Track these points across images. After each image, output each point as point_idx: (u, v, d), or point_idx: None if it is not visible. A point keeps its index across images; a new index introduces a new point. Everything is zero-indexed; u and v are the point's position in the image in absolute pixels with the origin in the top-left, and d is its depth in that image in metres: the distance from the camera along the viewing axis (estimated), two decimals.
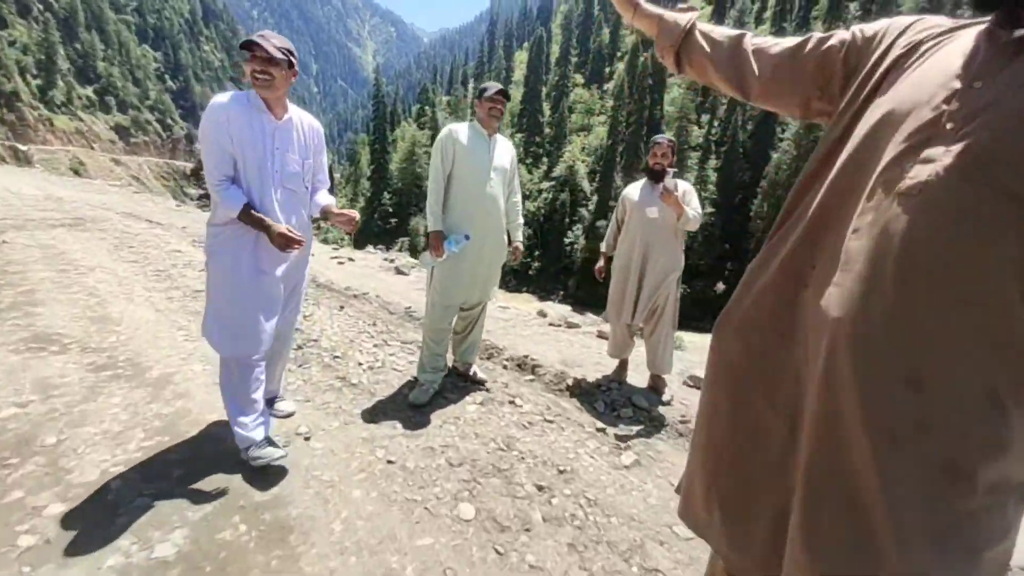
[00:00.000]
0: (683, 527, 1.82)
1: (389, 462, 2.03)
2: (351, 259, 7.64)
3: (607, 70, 68.30)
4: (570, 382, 3.29)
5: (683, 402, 3.11)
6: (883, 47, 0.89)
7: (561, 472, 2.06)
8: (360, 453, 2.07)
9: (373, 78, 72.39)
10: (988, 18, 0.77)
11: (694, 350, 5.96)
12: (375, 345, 3.44)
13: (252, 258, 1.86)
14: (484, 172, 2.55)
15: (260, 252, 1.85)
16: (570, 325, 4.90)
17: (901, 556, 0.70)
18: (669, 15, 1.12)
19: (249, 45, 1.75)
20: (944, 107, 0.73)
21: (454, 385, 2.86)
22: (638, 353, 3.50)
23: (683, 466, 2.35)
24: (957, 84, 0.73)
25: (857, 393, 0.74)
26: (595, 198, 48.28)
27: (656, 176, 3.11)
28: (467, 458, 2.09)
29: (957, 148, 0.69)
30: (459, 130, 2.54)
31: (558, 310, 5.64)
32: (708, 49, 1.07)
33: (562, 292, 43.65)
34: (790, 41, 1.01)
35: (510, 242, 2.89)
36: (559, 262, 46.16)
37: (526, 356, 3.66)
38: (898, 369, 0.72)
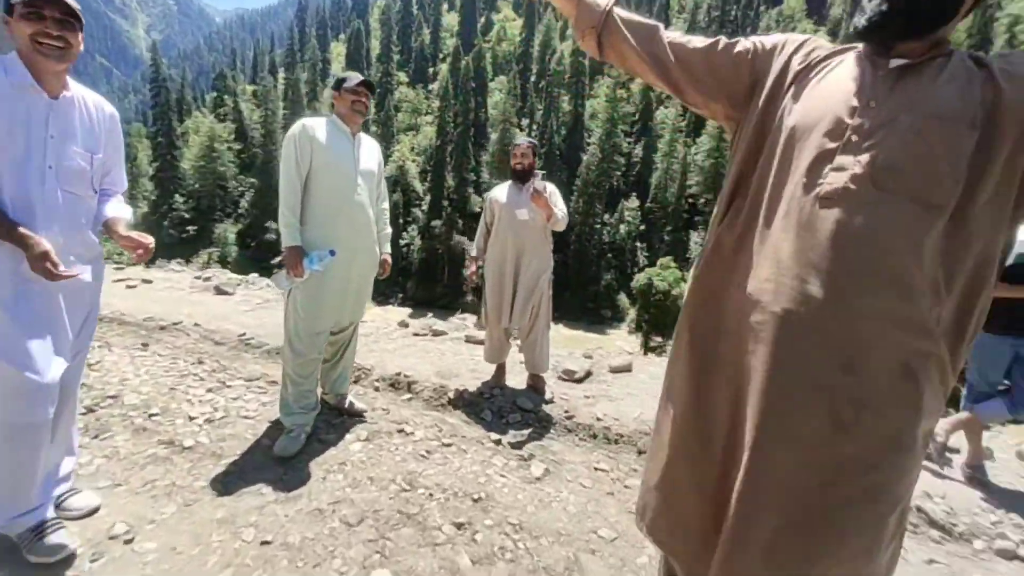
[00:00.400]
0: (607, 530, 1.83)
1: (264, 543, 1.59)
2: (146, 280, 6.12)
3: (431, 71, 68.45)
4: (451, 395, 3.11)
5: (563, 397, 3.19)
6: (782, 60, 0.98)
7: (477, 501, 1.88)
8: (218, 541, 1.59)
9: (149, 58, 60.02)
10: (861, 46, 0.90)
11: (555, 343, 6.27)
12: (209, 390, 2.75)
13: (11, 262, 1.28)
14: (350, 177, 2.19)
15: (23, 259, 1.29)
16: (436, 333, 4.69)
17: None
18: None
19: None
20: (848, 121, 0.83)
21: (328, 423, 2.43)
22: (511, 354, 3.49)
23: (582, 462, 2.40)
24: (855, 102, 0.84)
25: (801, 379, 0.81)
26: (428, 198, 48.14)
27: (520, 177, 3.11)
28: (367, 512, 1.77)
29: (864, 158, 0.79)
30: (315, 126, 2.13)
31: (424, 320, 5.36)
32: (628, 34, 1.07)
33: (400, 295, 42.63)
34: (701, 40, 1.05)
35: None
36: (395, 264, 44.88)
37: (398, 373, 3.36)
38: (835, 356, 0.80)
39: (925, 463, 2.54)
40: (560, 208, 3.04)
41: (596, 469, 2.30)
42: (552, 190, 3.03)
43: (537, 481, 2.11)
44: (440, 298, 39.65)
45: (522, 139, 3.18)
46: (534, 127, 53.54)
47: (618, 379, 3.65)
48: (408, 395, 3.13)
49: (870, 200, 0.78)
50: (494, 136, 49.48)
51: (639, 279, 23.94)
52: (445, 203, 46.89)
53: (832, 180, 0.81)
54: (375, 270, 2.50)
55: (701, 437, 0.97)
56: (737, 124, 1.04)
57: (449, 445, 2.33)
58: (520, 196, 3.08)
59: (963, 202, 0.76)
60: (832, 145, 0.83)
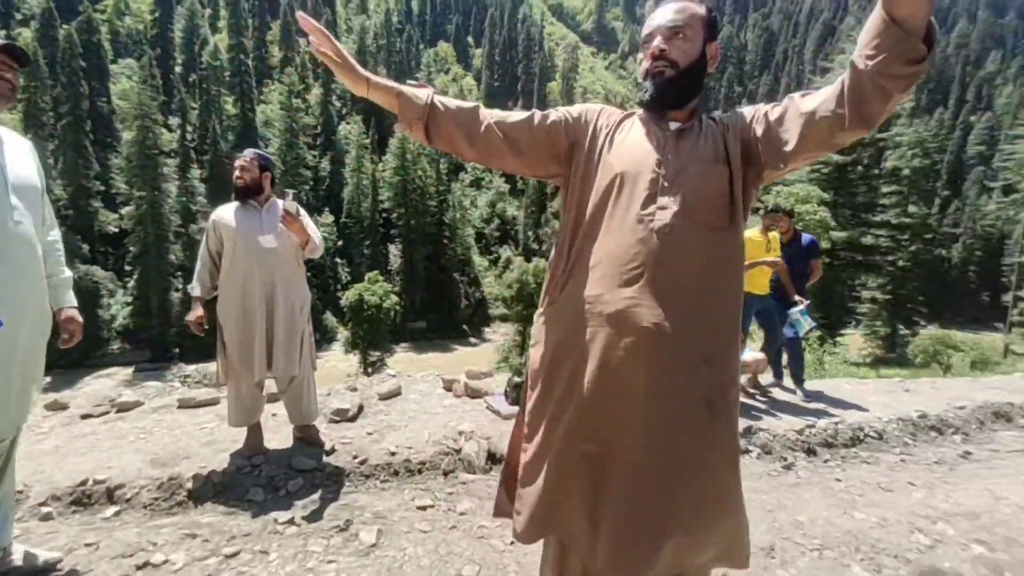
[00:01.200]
0: (469, 566, 1.73)
1: None
2: None
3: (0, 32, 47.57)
4: (190, 486, 2.33)
5: (344, 442, 2.83)
6: (592, 126, 1.21)
7: None
8: None
9: None
10: (641, 111, 1.20)
11: None
12: None
13: None
14: None
15: None
16: (123, 408, 3.36)
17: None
18: (407, 90, 1.16)
19: None
20: (658, 171, 1.08)
21: None
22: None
23: (401, 506, 2.21)
24: (657, 156, 1.09)
25: (676, 375, 1.03)
26: None
27: (243, 195, 2.58)
28: None
29: (676, 198, 1.07)
30: None
31: (83, 390, 3.75)
32: (453, 120, 1.16)
33: None
34: (519, 115, 1.20)
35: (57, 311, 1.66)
36: None
37: (84, 482, 2.28)
38: (697, 352, 1.05)
39: None
40: (315, 232, 2.68)
41: (420, 508, 2.15)
42: (301, 210, 2.63)
43: (374, 549, 1.80)
44: (85, 358, 28.27)
45: (250, 151, 2.65)
46: (189, 128, 44.54)
47: (392, 406, 3.48)
48: (113, 508, 2.16)
49: (686, 229, 1.05)
50: (129, 135, 38.43)
51: (348, 296, 23.26)
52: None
53: (660, 217, 1.05)
54: (46, 337, 1.60)
55: (587, 437, 1.09)
56: (565, 179, 1.22)
57: (234, 555, 1.72)
58: (259, 219, 2.55)
59: (733, 216, 1.09)
60: (653, 189, 1.07)
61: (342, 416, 3.18)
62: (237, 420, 2.64)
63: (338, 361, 30.71)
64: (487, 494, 2.40)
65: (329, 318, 37.96)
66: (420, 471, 2.60)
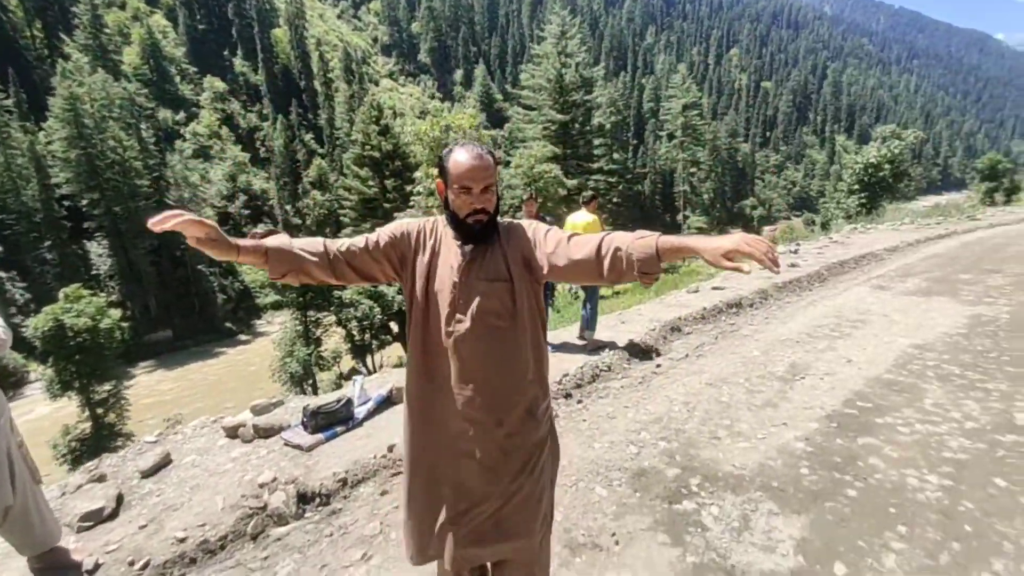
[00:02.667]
0: None
1: None
2: None
3: None
4: None
5: (109, 549, 2.40)
6: (413, 240, 1.48)
7: None
8: None
9: None
10: (445, 220, 1.51)
11: None
12: None
13: None
14: None
15: None
16: None
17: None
18: (271, 243, 1.33)
19: None
20: (455, 292, 1.41)
21: None
22: None
23: None
24: (456, 278, 1.41)
25: (483, 435, 1.44)
26: None
27: None
28: None
29: (468, 315, 1.41)
30: None
31: None
32: (314, 260, 1.38)
33: None
34: (360, 240, 1.47)
35: None
36: None
37: None
38: (494, 419, 1.44)
39: None
40: None
41: None
42: None
43: None
44: None
45: None
46: None
47: (164, 479, 3.02)
48: None
49: (480, 334, 1.39)
50: None
51: (37, 324, 17.22)
52: None
53: (458, 330, 1.40)
54: None
55: (434, 488, 1.47)
56: (403, 282, 1.50)
57: None
58: None
59: (514, 319, 1.43)
60: (452, 308, 1.41)
61: (96, 518, 2.64)
62: None
63: (42, 414, 22.95)
64: (306, 541, 2.43)
65: (14, 358, 27.58)
66: (223, 547, 2.43)
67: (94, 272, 37.12)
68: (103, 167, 36.21)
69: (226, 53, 66.05)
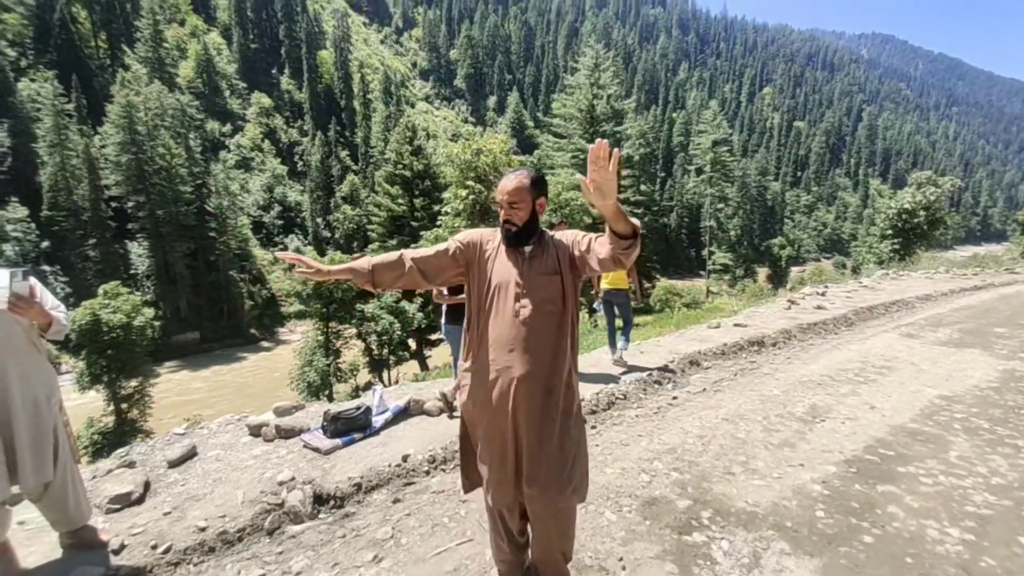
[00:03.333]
0: None
1: None
2: None
3: None
4: None
5: (135, 532, 2.52)
6: (478, 248, 1.89)
7: None
8: None
9: None
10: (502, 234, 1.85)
11: None
12: None
13: None
14: None
15: None
16: None
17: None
18: (355, 265, 1.83)
19: None
20: (520, 280, 1.78)
21: None
22: None
23: None
24: (517, 271, 1.79)
25: (530, 400, 1.73)
26: None
27: None
28: None
29: (530, 300, 1.76)
30: None
31: None
32: (393, 273, 1.85)
33: None
34: (431, 250, 1.88)
35: None
36: None
37: None
38: (542, 384, 1.74)
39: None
40: (57, 307, 2.28)
41: None
42: (37, 286, 2.20)
43: None
44: None
45: None
46: None
47: (189, 471, 3.15)
48: None
49: (539, 316, 1.76)
50: None
51: (76, 317, 18.00)
52: None
53: (524, 311, 1.75)
54: None
55: (503, 437, 1.78)
56: (467, 281, 1.90)
57: None
58: None
59: (563, 307, 1.79)
60: (516, 293, 1.77)
61: (124, 502, 2.77)
62: None
63: (68, 406, 23.78)
64: (320, 540, 2.51)
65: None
66: (241, 539, 2.52)
67: (132, 272, 38.72)
68: (151, 172, 38.17)
69: (274, 71, 69.60)
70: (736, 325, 7.26)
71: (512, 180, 1.80)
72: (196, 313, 40.30)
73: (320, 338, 23.48)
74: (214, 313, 41.37)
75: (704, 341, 6.33)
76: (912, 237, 22.28)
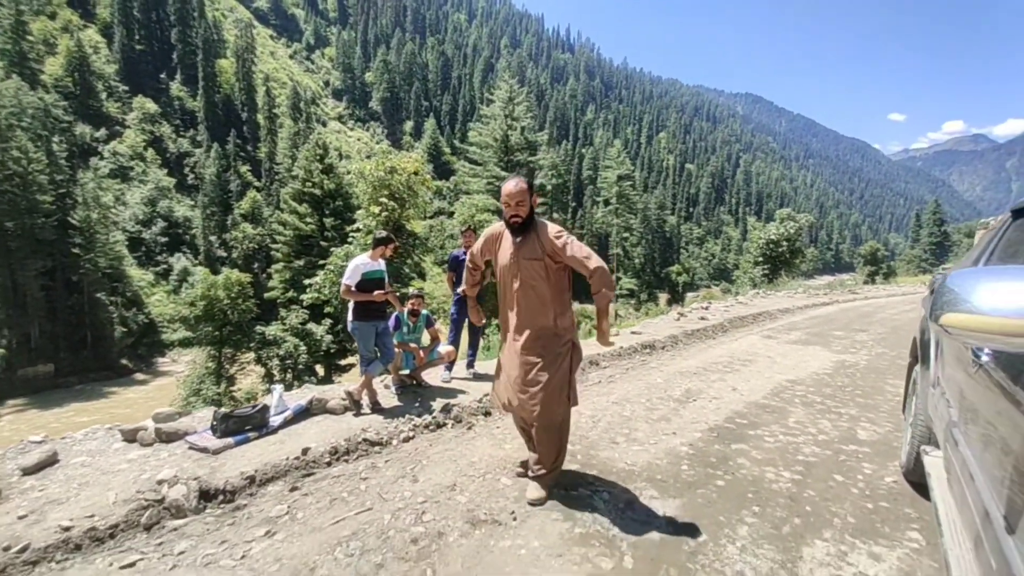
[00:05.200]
0: None
1: None
2: None
3: None
4: None
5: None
6: (492, 243, 2.69)
7: None
8: None
9: None
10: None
11: None
12: None
13: None
14: None
15: None
16: None
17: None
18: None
19: None
20: (512, 262, 2.56)
21: None
22: None
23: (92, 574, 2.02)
24: (512, 255, 2.56)
25: (523, 338, 2.39)
26: None
27: None
28: None
29: (519, 278, 2.54)
30: None
31: None
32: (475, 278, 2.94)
33: None
34: (475, 251, 2.80)
35: None
36: None
37: None
38: (529, 331, 2.40)
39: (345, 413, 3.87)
40: None
41: (125, 566, 2.00)
42: None
43: None
44: None
45: None
46: None
47: (48, 478, 2.82)
48: None
49: (528, 288, 2.50)
50: None
51: None
52: None
53: (515, 285, 2.54)
54: None
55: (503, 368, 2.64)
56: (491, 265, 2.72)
57: None
58: None
59: (546, 280, 2.49)
60: (512, 272, 2.54)
61: None
62: None
63: None
64: (204, 530, 2.39)
65: None
66: (113, 535, 2.32)
67: None
68: (0, 178, 32.75)
69: (163, 76, 63.79)
70: (633, 332, 7.93)
71: (514, 185, 2.45)
72: (51, 342, 34.62)
73: (211, 364, 21.36)
74: (74, 342, 35.83)
75: (603, 347, 6.86)
76: (778, 263, 25.77)
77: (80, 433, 3.56)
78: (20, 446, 3.19)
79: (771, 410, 4.19)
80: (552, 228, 2.47)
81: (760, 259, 26.65)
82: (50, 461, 3.00)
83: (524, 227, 2.48)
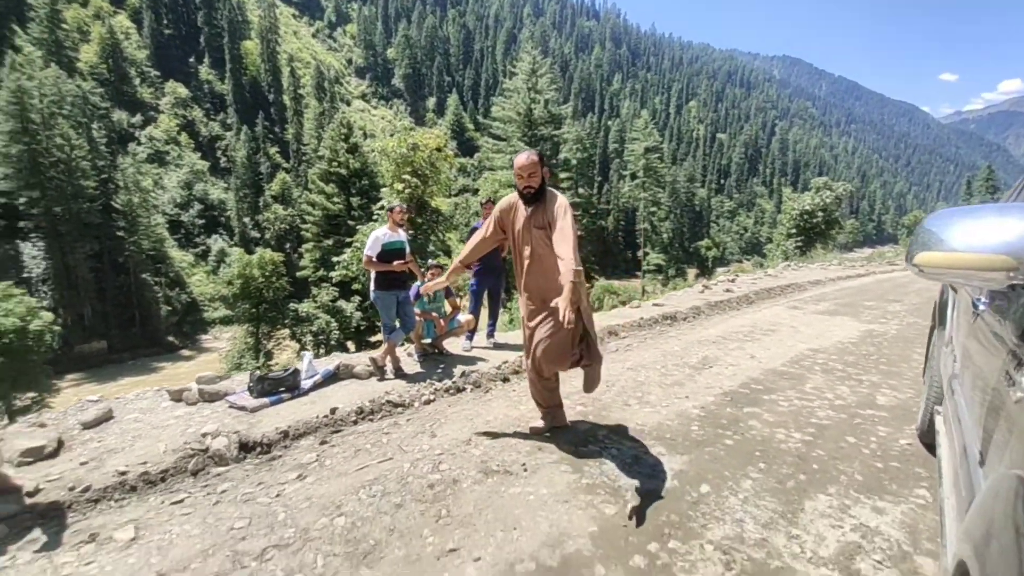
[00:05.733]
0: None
1: None
2: None
3: None
4: None
5: (49, 479, 2.52)
6: (508, 212, 2.84)
7: None
8: None
9: None
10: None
11: None
12: None
13: None
14: None
15: None
16: None
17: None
18: (454, 267, 3.13)
19: None
20: (524, 231, 2.75)
21: None
22: None
23: (147, 511, 2.27)
24: (523, 224, 2.75)
25: (538, 298, 2.55)
26: None
27: None
28: None
29: (529, 245, 2.74)
30: None
31: None
32: (475, 255, 3.13)
33: None
34: (488, 228, 2.92)
35: None
36: None
37: None
38: (542, 299, 2.47)
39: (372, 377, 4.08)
40: None
41: (175, 503, 2.24)
42: None
43: (135, 542, 1.87)
44: None
45: None
46: None
47: (105, 431, 3.12)
48: None
49: (537, 255, 2.69)
50: None
51: None
52: None
53: (527, 251, 2.73)
54: None
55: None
56: (507, 235, 2.86)
57: None
58: None
59: (551, 248, 2.56)
60: (526, 240, 2.72)
61: (36, 455, 2.74)
62: None
63: None
64: (243, 476, 2.63)
65: None
66: (164, 479, 2.59)
67: (25, 275, 34.67)
68: (46, 165, 34.44)
69: (192, 60, 65.01)
70: (655, 305, 7.92)
71: (525, 158, 2.62)
72: (103, 320, 36.78)
73: (249, 340, 22.37)
74: (123, 321, 37.95)
75: (624, 317, 6.88)
76: (812, 235, 24.85)
77: (132, 394, 3.89)
78: (80, 405, 3.53)
79: (788, 376, 4.18)
80: (559, 201, 2.63)
81: (793, 231, 25.74)
82: (106, 417, 3.32)
83: (536, 197, 2.65)
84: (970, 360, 1.52)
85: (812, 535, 2.07)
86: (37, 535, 2.10)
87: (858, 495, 2.38)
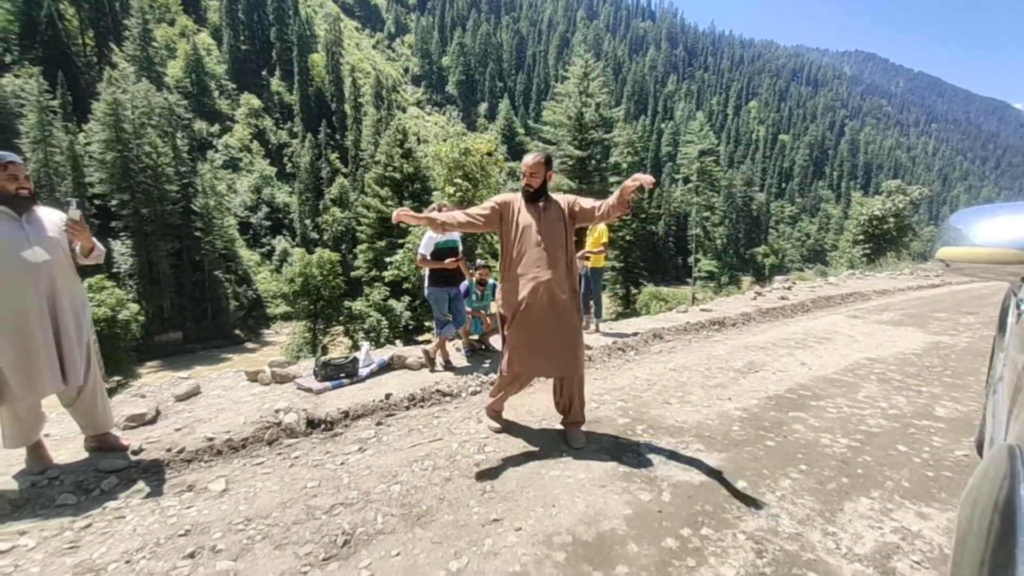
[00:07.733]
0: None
1: None
2: None
3: None
4: None
5: (150, 441, 2.93)
6: (509, 205, 2.83)
7: None
8: None
9: None
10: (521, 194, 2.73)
11: None
12: None
13: None
14: None
15: None
16: None
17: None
18: (432, 216, 2.75)
19: None
20: (539, 223, 2.76)
21: None
22: None
23: (233, 469, 2.59)
24: (537, 217, 2.78)
25: (551, 296, 2.63)
26: None
27: (14, 203, 2.46)
28: None
29: (545, 236, 2.72)
30: None
31: None
32: (457, 225, 2.78)
33: None
34: (478, 209, 2.82)
35: None
36: None
37: None
38: (559, 287, 2.64)
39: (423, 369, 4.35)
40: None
41: (256, 464, 2.57)
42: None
43: (226, 492, 2.19)
44: None
45: (7, 153, 2.47)
46: None
47: (194, 404, 3.55)
48: None
49: (551, 248, 2.72)
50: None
51: None
52: None
53: (544, 242, 2.71)
54: None
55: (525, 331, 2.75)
56: (500, 229, 2.80)
57: (87, 526, 1.89)
58: (23, 231, 2.43)
59: (566, 238, 2.75)
60: (538, 236, 2.71)
61: (139, 421, 3.18)
62: (16, 441, 2.51)
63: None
64: (311, 446, 2.94)
65: None
66: (244, 446, 2.93)
67: (115, 270, 38.42)
68: (136, 170, 38.06)
69: (264, 73, 69.69)
70: (703, 310, 7.80)
71: (532, 158, 2.76)
72: (179, 313, 40.06)
73: (307, 335, 23.70)
74: (198, 313, 41.15)
75: (670, 321, 6.85)
76: (882, 242, 23.26)
77: (215, 374, 4.36)
78: (173, 381, 4.01)
79: (840, 384, 4.07)
80: (566, 197, 2.84)
81: (860, 237, 24.19)
82: (195, 392, 3.76)
83: (536, 196, 2.77)
84: (1012, 359, 1.53)
85: (849, 533, 2.09)
86: (141, 486, 2.47)
87: (903, 500, 2.36)
